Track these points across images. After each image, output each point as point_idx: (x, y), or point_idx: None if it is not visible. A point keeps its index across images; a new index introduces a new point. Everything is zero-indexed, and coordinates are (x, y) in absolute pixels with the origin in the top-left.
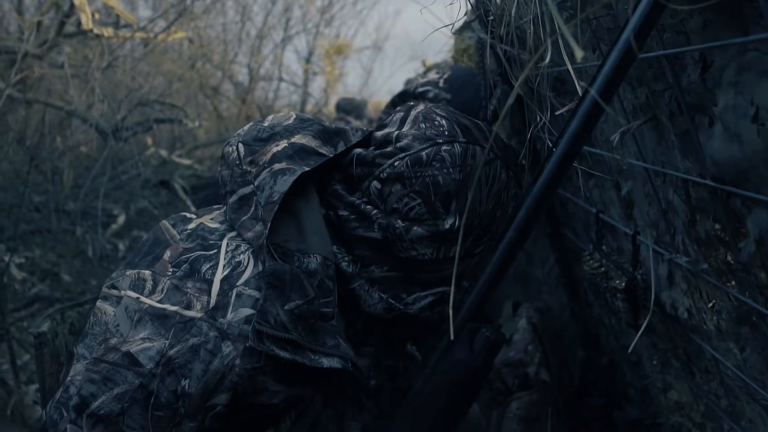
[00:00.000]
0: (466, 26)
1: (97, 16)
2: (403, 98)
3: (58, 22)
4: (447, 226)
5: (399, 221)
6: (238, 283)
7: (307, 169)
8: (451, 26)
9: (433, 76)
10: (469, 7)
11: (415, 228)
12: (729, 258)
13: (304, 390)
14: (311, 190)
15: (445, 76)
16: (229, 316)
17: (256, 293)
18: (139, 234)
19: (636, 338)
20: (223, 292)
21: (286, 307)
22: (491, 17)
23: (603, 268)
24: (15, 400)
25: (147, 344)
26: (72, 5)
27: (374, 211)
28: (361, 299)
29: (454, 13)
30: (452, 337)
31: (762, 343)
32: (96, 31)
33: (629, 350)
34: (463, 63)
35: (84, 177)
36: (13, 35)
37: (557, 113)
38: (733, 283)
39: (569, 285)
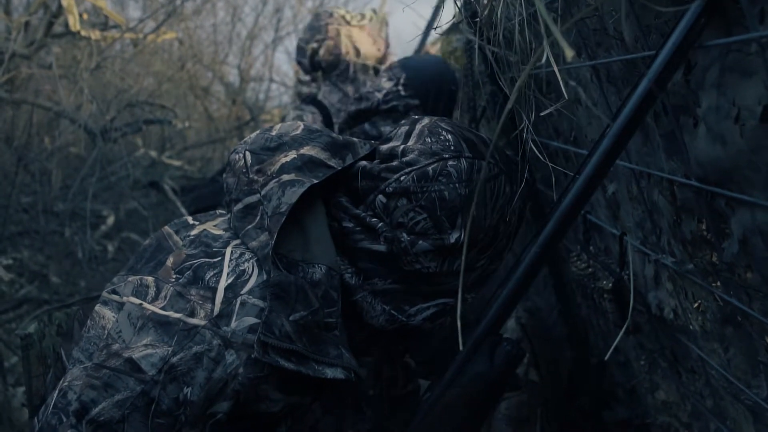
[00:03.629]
0: (454, 28)
1: (85, 17)
2: (367, 115)
3: (46, 22)
4: (452, 240)
5: (404, 235)
6: (242, 292)
7: (315, 181)
8: (438, 27)
9: (387, 84)
10: (457, 9)
11: (420, 242)
12: (714, 258)
13: (304, 398)
14: (318, 202)
15: (402, 80)
16: (233, 324)
17: (260, 302)
18: (129, 235)
19: (617, 339)
20: (227, 300)
21: (291, 318)
22: (479, 18)
23: (590, 269)
24: (2, 403)
25: (150, 351)
26: (60, 5)
27: (380, 224)
28: (363, 311)
29: (442, 15)
30: (460, 347)
31: (746, 343)
32: (83, 33)
33: (608, 354)
34: (451, 65)
35: (73, 178)
36: (0, 35)
37: (543, 114)
38: (718, 283)
39: (557, 286)
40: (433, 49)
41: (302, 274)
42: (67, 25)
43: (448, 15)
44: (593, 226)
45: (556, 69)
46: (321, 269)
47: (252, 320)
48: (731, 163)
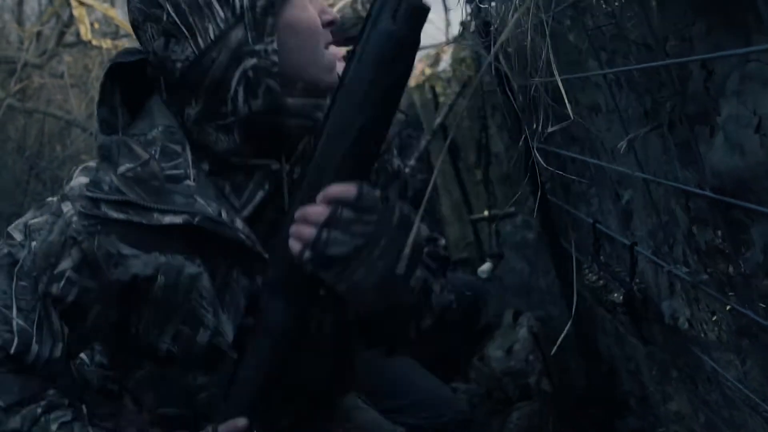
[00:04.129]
0: (464, 35)
1: (96, 26)
2: None
3: (57, 31)
4: (167, 10)
5: (153, 54)
6: (89, 162)
7: (121, 60)
8: (448, 37)
9: None
10: (468, 18)
11: (155, 43)
12: (730, 269)
13: (172, 257)
14: (160, 88)
15: None
16: (73, 182)
17: None
18: None
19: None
20: (77, 171)
21: (118, 172)
22: (492, 28)
23: (601, 281)
24: None
25: (19, 220)
26: (72, 15)
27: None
28: (212, 145)
29: (454, 22)
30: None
31: (763, 355)
32: (94, 42)
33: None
34: (461, 71)
35: None
36: (13, 45)
37: (551, 130)
38: (733, 295)
39: (570, 296)
40: (445, 55)
41: (137, 138)
42: (78, 34)
43: (456, 24)
44: (604, 235)
45: (559, 80)
46: (157, 129)
47: (86, 179)
48: (750, 173)
